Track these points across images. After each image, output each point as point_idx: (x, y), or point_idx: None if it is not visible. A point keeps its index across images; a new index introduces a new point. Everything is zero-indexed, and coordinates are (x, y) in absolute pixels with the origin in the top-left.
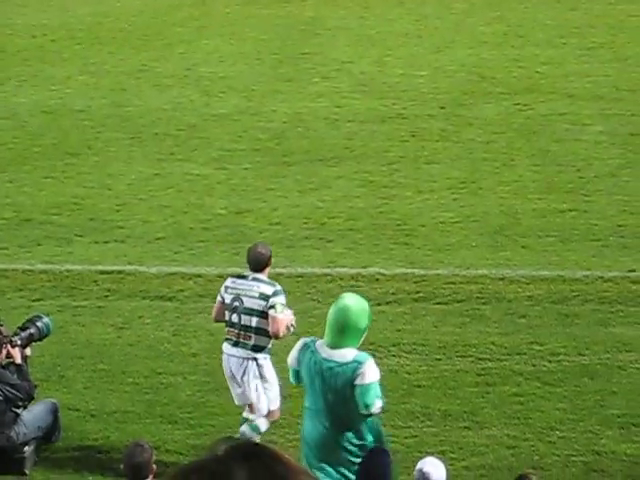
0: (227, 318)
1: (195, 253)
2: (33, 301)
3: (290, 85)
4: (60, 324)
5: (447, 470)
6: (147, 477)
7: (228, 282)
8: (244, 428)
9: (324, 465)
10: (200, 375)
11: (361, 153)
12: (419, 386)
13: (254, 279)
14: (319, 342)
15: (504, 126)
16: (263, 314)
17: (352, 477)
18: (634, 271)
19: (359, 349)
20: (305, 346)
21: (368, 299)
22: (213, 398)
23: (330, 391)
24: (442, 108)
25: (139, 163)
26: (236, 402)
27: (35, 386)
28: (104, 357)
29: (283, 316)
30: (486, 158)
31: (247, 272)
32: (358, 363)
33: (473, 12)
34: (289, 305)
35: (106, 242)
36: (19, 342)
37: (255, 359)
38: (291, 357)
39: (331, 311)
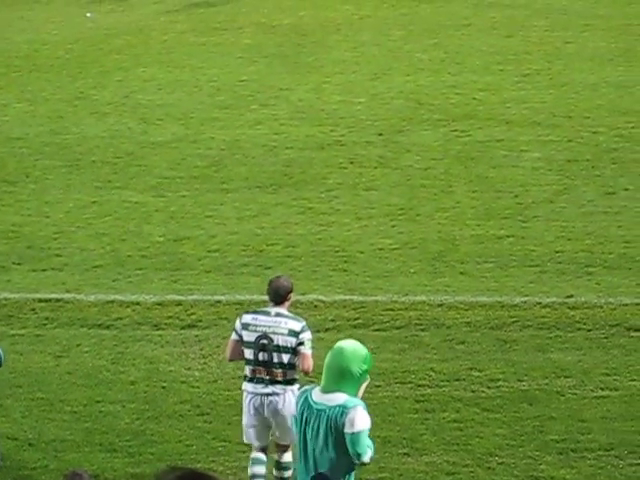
0: (250, 357)
1: (133, 281)
2: None
3: (228, 112)
4: None
5: None
6: None
7: (248, 319)
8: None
9: None
10: (139, 403)
11: (300, 180)
12: None
13: (278, 314)
14: (316, 388)
15: (442, 152)
16: (294, 351)
17: None
18: (572, 297)
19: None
20: (302, 393)
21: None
22: (152, 426)
23: (315, 435)
24: (380, 135)
25: (77, 191)
26: (258, 442)
27: None
28: (42, 385)
29: (311, 352)
30: (424, 184)
31: (267, 308)
32: (344, 408)
33: (410, 39)
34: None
35: (44, 270)
36: None
37: (292, 391)
38: (293, 405)
39: (327, 355)
